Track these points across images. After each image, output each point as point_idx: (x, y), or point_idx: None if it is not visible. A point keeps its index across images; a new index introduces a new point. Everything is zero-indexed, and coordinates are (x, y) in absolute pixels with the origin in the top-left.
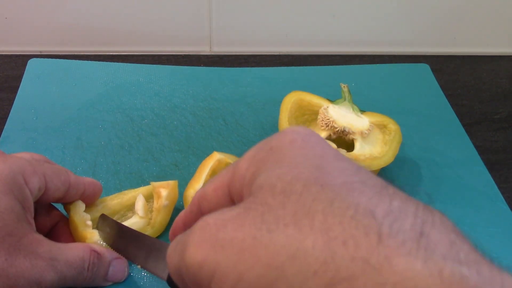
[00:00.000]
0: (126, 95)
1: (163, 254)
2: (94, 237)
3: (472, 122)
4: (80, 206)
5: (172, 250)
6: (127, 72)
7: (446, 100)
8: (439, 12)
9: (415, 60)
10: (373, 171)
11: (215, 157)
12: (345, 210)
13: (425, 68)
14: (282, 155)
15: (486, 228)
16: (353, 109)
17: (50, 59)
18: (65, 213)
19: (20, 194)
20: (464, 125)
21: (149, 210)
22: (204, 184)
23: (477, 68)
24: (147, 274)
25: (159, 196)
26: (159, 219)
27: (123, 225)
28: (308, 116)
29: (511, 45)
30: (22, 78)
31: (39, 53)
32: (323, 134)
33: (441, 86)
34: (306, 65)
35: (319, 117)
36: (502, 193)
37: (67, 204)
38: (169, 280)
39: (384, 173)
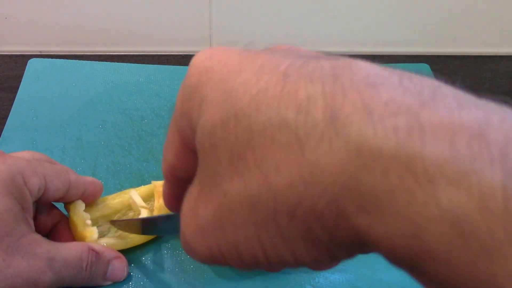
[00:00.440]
0: (126, 95)
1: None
2: (93, 236)
3: None
4: (80, 205)
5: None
6: (127, 72)
7: None
8: (439, 12)
9: (415, 60)
10: None
11: None
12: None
13: (425, 68)
14: (200, 97)
15: None
16: None
17: (50, 59)
18: (65, 212)
19: (19, 194)
20: None
21: (150, 209)
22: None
23: (477, 68)
24: (147, 273)
25: (160, 195)
26: None
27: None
28: None
29: (511, 45)
30: (22, 78)
31: (39, 53)
32: None
33: None
34: None
35: None
36: None
37: (67, 204)
38: None
39: None
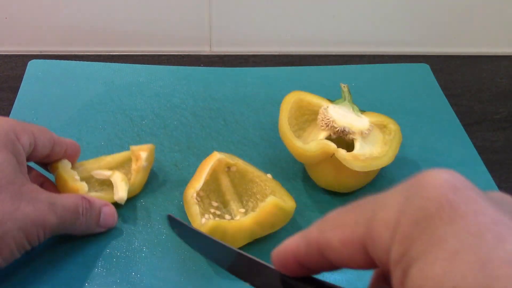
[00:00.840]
0: (126, 95)
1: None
2: (84, 188)
3: (472, 122)
4: (67, 163)
5: None
6: (127, 72)
7: (446, 100)
8: (439, 12)
9: (415, 60)
10: (373, 171)
11: (215, 157)
12: None
13: (425, 68)
14: (432, 233)
15: None
16: (353, 109)
17: (50, 60)
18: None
19: (14, 149)
20: (464, 125)
21: (127, 171)
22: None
23: (477, 68)
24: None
25: (138, 158)
26: (138, 178)
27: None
28: (308, 116)
29: (511, 45)
30: (22, 78)
31: (39, 53)
32: (323, 134)
33: (441, 86)
34: (306, 65)
35: (319, 117)
36: None
37: (54, 163)
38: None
39: (384, 173)
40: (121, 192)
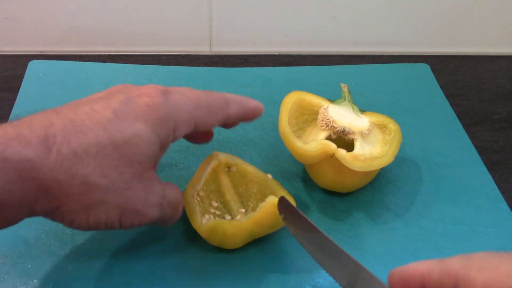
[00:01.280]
0: None
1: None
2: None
3: (472, 122)
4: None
5: None
6: (127, 73)
7: (446, 100)
8: (439, 12)
9: (415, 60)
10: (373, 171)
11: (215, 157)
12: None
13: (425, 68)
14: None
15: (486, 228)
16: (353, 109)
17: (50, 60)
18: None
19: (164, 137)
20: (464, 125)
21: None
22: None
23: (477, 68)
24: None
25: None
26: None
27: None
28: (308, 116)
29: (511, 45)
30: (22, 78)
31: (40, 53)
32: (323, 134)
33: (441, 86)
34: (306, 65)
35: (319, 117)
36: (502, 193)
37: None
38: None
39: (384, 173)
40: None
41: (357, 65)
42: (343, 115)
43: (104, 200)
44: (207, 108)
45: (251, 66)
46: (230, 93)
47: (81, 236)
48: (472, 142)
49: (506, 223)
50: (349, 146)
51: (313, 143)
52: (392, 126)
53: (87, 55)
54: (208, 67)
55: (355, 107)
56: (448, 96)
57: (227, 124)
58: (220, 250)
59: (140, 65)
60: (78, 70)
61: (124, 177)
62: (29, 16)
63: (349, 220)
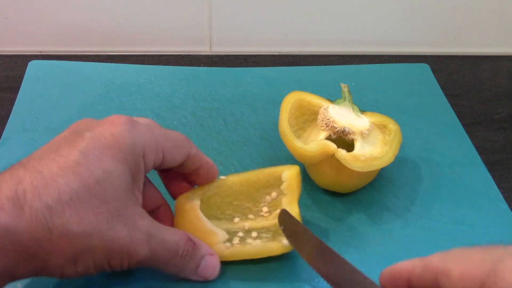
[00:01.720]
0: (126, 95)
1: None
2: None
3: (472, 122)
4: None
5: None
6: (127, 72)
7: (446, 100)
8: (439, 12)
9: (415, 60)
10: (373, 171)
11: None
12: None
13: (425, 68)
14: None
15: (486, 228)
16: (353, 109)
17: (50, 60)
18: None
19: (135, 165)
20: (464, 125)
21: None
22: None
23: (477, 68)
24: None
25: None
26: None
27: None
28: (308, 116)
29: (511, 45)
30: (22, 78)
31: (39, 53)
32: (323, 134)
33: (441, 86)
34: (306, 65)
35: (319, 117)
36: (502, 193)
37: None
38: None
39: (384, 173)
40: None
41: (357, 65)
42: (343, 115)
43: (88, 246)
44: (172, 141)
45: (251, 66)
46: (231, 92)
47: None
48: (472, 142)
49: (506, 223)
50: (349, 146)
51: (313, 143)
52: (392, 126)
53: (87, 55)
54: (208, 67)
55: (355, 107)
56: (448, 96)
57: (190, 172)
58: None
59: (140, 65)
60: (78, 70)
61: (103, 218)
62: (29, 16)
63: (349, 220)
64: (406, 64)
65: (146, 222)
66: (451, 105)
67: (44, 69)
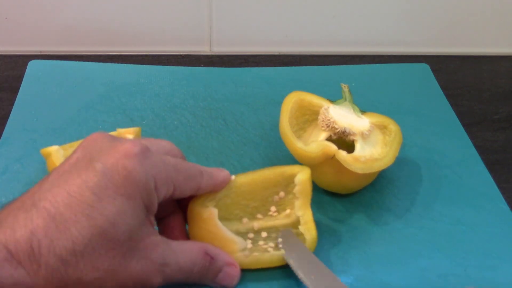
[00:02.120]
0: (126, 95)
1: None
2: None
3: (472, 122)
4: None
5: None
6: (127, 72)
7: (446, 100)
8: (439, 12)
9: (415, 60)
10: (374, 172)
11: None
12: None
13: (425, 68)
14: None
15: (486, 228)
16: (353, 110)
17: (50, 60)
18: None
19: (148, 199)
20: (464, 125)
21: None
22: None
23: (477, 68)
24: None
25: None
26: None
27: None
28: (309, 116)
29: (511, 45)
30: (22, 78)
31: (39, 53)
32: (324, 135)
33: (441, 86)
34: (306, 65)
35: (319, 117)
36: (502, 193)
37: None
38: None
39: (384, 173)
40: None
41: (357, 65)
42: (343, 116)
43: (101, 287)
44: (184, 174)
45: (251, 66)
46: (231, 92)
47: None
48: (472, 142)
49: (506, 223)
50: (349, 146)
51: (313, 144)
52: (393, 127)
53: (87, 55)
54: (208, 67)
55: (356, 107)
56: (448, 96)
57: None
58: None
59: (140, 65)
60: (78, 70)
61: (117, 260)
62: (29, 16)
63: (350, 221)
64: (406, 64)
65: (159, 251)
66: (451, 105)
67: (44, 69)
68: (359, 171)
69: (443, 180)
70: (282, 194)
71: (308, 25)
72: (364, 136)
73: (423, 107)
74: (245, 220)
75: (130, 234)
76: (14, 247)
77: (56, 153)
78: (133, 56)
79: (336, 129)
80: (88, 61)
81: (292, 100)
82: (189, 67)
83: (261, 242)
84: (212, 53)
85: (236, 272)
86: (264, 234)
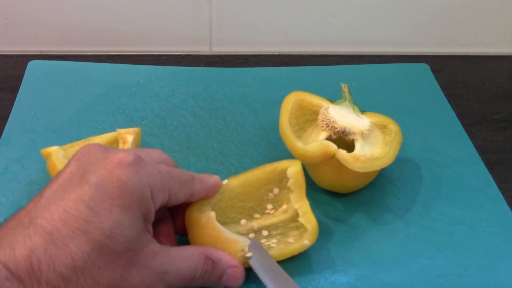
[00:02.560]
0: (126, 96)
1: None
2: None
3: (472, 122)
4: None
5: None
6: (127, 73)
7: (446, 100)
8: (439, 12)
9: (415, 60)
10: (374, 172)
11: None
12: None
13: (425, 68)
14: None
15: (486, 228)
16: (353, 110)
17: (50, 61)
18: None
19: (145, 207)
20: (464, 125)
21: None
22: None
23: (477, 68)
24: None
25: (125, 141)
26: None
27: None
28: (309, 116)
29: (511, 45)
30: (22, 78)
31: (39, 53)
32: (324, 135)
33: (441, 86)
34: (306, 65)
35: (319, 117)
36: (502, 193)
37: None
38: None
39: (384, 173)
40: None
41: (357, 65)
42: (343, 116)
43: None
44: (178, 180)
45: (251, 66)
46: (231, 92)
47: None
48: (472, 142)
49: (506, 223)
50: (349, 146)
51: (313, 144)
52: (393, 126)
53: (87, 55)
54: (208, 67)
55: (356, 107)
56: (448, 96)
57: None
58: None
59: (140, 65)
60: (78, 70)
61: (117, 272)
62: (29, 16)
63: (350, 221)
64: (406, 64)
65: (159, 260)
66: (451, 105)
67: (44, 69)
68: (359, 170)
69: (443, 180)
70: (276, 190)
71: (308, 25)
72: (364, 135)
73: (423, 107)
74: (243, 221)
75: (129, 245)
76: (14, 266)
77: (56, 153)
78: (133, 56)
79: (336, 128)
80: (88, 61)
81: (292, 100)
82: (189, 67)
83: (263, 241)
84: (212, 53)
85: (239, 273)
86: (265, 233)
